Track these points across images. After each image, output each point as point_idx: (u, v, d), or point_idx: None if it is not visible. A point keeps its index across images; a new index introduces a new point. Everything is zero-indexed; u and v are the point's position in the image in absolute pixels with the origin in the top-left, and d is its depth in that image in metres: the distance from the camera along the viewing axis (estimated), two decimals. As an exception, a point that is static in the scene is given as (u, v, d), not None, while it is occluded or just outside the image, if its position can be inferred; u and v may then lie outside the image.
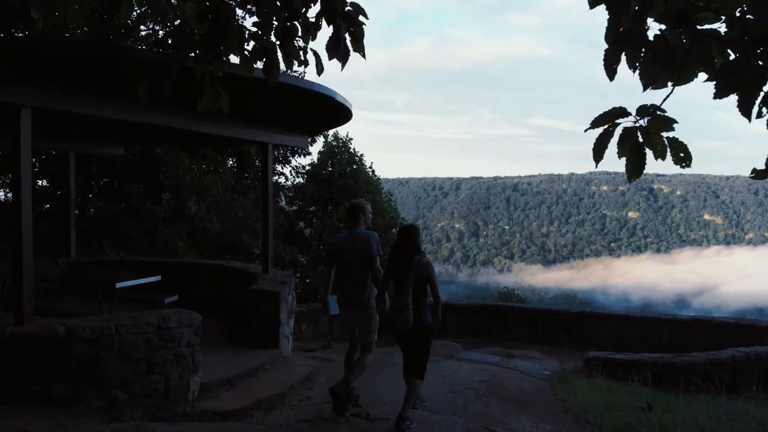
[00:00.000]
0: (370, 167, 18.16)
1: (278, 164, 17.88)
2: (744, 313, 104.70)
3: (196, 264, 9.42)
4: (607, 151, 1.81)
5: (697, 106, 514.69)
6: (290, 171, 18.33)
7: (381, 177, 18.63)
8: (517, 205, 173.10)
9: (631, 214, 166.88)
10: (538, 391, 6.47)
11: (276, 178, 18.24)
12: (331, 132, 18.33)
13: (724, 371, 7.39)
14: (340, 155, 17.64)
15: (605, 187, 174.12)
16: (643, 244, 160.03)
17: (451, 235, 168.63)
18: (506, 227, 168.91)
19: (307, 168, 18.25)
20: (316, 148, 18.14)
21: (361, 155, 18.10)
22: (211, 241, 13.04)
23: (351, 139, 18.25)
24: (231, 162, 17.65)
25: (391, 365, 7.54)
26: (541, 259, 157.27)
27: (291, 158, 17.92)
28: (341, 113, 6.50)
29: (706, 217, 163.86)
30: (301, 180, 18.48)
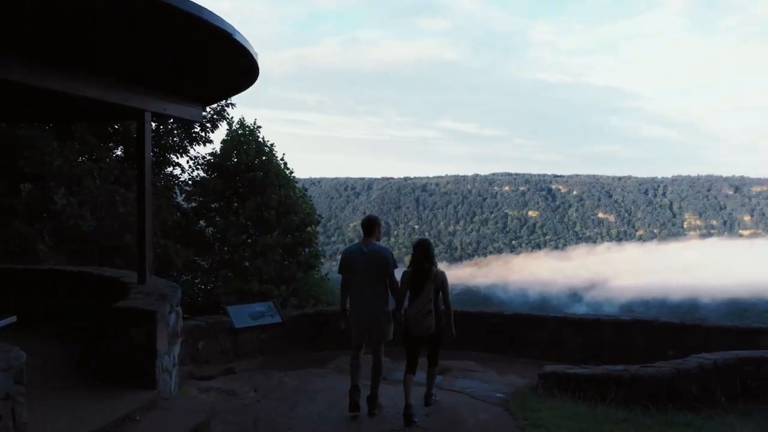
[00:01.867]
0: (282, 159, 16.33)
1: (174, 153, 15.66)
2: (631, 306, 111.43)
3: (54, 271, 7.32)
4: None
5: (593, 111, 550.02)
6: (188, 162, 16.13)
7: (293, 175, 16.83)
8: (425, 205, 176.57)
9: (531, 213, 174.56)
10: (498, 424, 5.16)
11: (171, 169, 16.01)
12: (236, 118, 16.30)
13: (692, 382, 6.48)
14: (247, 144, 15.66)
15: (507, 188, 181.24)
16: (542, 242, 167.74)
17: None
18: (416, 226, 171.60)
19: (209, 159, 16.11)
20: (219, 136, 16.21)
21: (272, 145, 16.23)
22: (84, 241, 10.78)
23: (259, 126, 16.31)
24: (118, 152, 15.23)
25: (309, 396, 5.96)
26: (448, 257, 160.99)
27: (189, 147, 15.75)
28: (242, 65, 4.80)
29: (600, 215, 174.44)
30: (201, 172, 16.29)
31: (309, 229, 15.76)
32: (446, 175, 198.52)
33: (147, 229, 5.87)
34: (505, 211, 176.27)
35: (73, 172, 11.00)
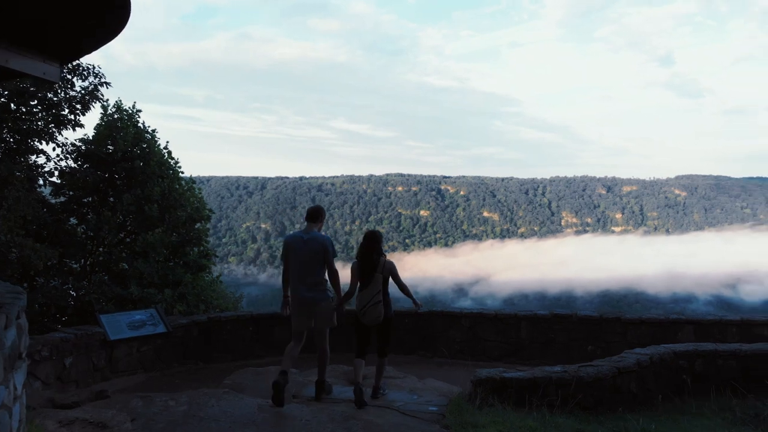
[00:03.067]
0: (166, 148, 14.53)
1: (37, 139, 13.39)
2: (512, 299, 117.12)
3: None
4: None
5: (478, 115, 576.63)
6: (55, 150, 13.85)
7: (178, 165, 14.99)
8: (321, 205, 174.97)
9: (422, 212, 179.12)
10: (442, 447, 4.31)
11: (34, 158, 13.71)
12: (111, 101, 14.29)
13: (631, 381, 6.05)
14: (125, 130, 13.74)
15: (400, 188, 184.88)
16: (433, 240, 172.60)
17: (257, 236, 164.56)
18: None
19: (80, 146, 13.96)
20: (92, 121, 14.11)
21: (153, 131, 14.35)
22: None
23: (139, 110, 14.38)
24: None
25: (200, 425, 4.77)
26: (344, 257, 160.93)
27: (56, 132, 13.54)
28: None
29: (486, 214, 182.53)
30: (71, 162, 14.08)
31: (198, 225, 14.07)
32: (342, 175, 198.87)
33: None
34: (399, 210, 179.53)
35: None
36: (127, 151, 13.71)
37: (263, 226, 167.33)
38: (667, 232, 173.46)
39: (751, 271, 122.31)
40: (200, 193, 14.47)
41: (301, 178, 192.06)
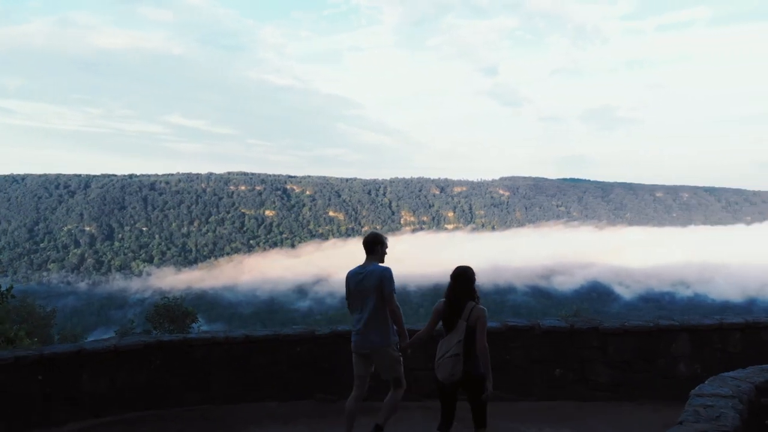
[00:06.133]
0: None
1: None
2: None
3: None
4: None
5: (321, 116, 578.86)
6: None
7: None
8: (155, 205, 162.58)
9: (267, 212, 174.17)
10: None
11: None
12: None
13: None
14: None
15: (243, 187, 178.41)
16: (279, 240, 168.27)
17: (80, 240, 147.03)
18: (144, 228, 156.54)
19: None
20: None
21: None
22: None
23: None
24: None
25: None
26: (182, 260, 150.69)
27: None
28: None
29: (331, 213, 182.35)
30: None
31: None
32: (177, 173, 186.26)
33: None
34: (242, 210, 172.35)
35: None
36: None
37: (87, 228, 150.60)
38: (493, 228, 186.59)
39: (563, 263, 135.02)
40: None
41: (130, 176, 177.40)
